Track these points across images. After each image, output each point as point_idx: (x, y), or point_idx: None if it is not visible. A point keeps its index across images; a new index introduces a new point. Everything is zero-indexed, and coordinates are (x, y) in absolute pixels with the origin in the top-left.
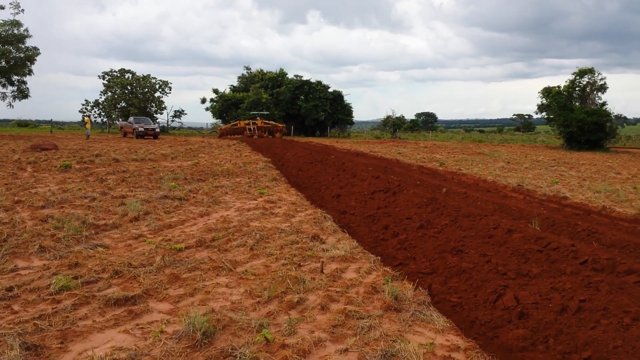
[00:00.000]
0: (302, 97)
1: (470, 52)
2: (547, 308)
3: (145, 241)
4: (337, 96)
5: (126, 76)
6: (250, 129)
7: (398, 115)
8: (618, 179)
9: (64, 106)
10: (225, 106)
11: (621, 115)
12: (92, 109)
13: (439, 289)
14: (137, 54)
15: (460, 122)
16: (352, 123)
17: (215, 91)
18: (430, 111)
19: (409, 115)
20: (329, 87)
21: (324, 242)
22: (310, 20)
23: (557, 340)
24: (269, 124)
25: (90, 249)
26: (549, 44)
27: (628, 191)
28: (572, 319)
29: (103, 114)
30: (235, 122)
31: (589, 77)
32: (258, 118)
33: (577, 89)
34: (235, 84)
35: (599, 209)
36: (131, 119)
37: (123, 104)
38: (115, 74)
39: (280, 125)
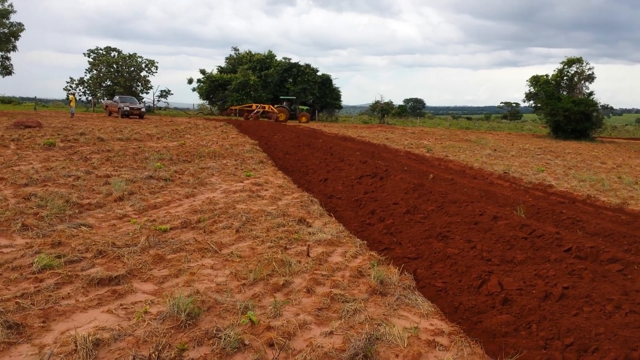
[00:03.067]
0: (291, 80)
1: (459, 39)
2: (530, 294)
3: (129, 221)
4: (326, 80)
5: (112, 54)
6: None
7: (386, 100)
8: (603, 169)
9: (49, 84)
10: (212, 87)
11: (607, 105)
12: (77, 87)
13: (424, 274)
14: (123, 32)
15: (448, 108)
16: (340, 107)
17: (203, 72)
18: (419, 97)
19: (397, 101)
20: (317, 71)
21: (310, 226)
22: (299, 2)
23: (540, 327)
24: (264, 107)
25: (74, 228)
26: (537, 32)
27: (613, 180)
28: (555, 305)
29: (88, 92)
30: (249, 105)
31: (577, 66)
32: (284, 103)
33: (565, 78)
34: (223, 64)
35: (584, 198)
36: (116, 97)
37: (108, 83)
38: (101, 52)
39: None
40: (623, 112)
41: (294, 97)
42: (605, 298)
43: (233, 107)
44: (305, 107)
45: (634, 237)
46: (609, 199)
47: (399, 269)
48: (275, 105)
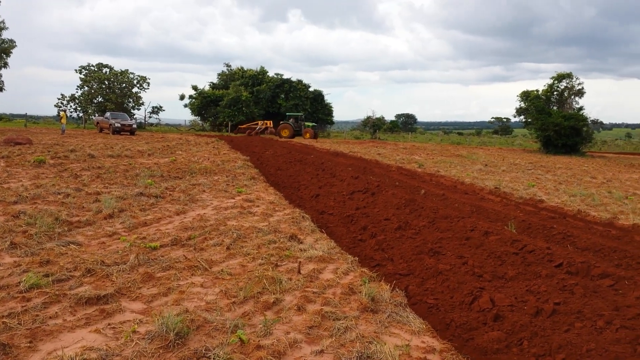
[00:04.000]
0: (283, 96)
1: (449, 55)
2: (522, 310)
3: (119, 239)
4: (318, 95)
5: (104, 71)
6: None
7: (378, 115)
8: (593, 183)
9: (39, 100)
10: (204, 103)
11: (597, 120)
12: (68, 103)
13: (415, 291)
14: (115, 48)
15: (440, 124)
16: (332, 123)
17: (195, 88)
18: (410, 112)
19: (389, 116)
20: (309, 86)
21: (301, 242)
22: (291, 19)
23: (532, 343)
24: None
25: (63, 246)
26: (527, 48)
27: (603, 195)
28: (547, 321)
29: (79, 108)
30: (256, 122)
31: (567, 81)
32: (291, 119)
33: (555, 93)
34: (215, 80)
35: (575, 213)
36: (108, 114)
37: (100, 99)
38: (92, 68)
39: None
40: (613, 126)
41: (301, 114)
42: (597, 314)
43: (242, 126)
44: (311, 124)
45: (625, 252)
46: (599, 213)
47: (390, 286)
48: (281, 122)
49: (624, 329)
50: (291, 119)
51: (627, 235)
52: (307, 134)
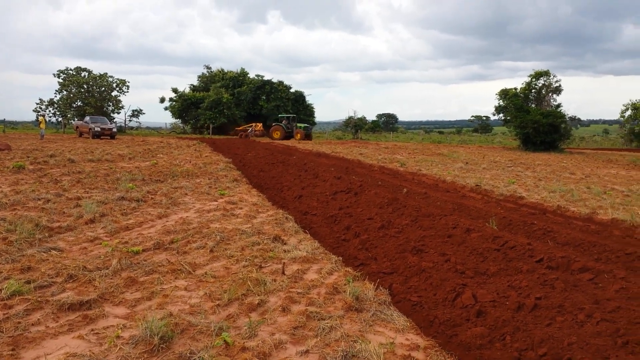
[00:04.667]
0: (264, 97)
1: (429, 54)
2: (504, 306)
3: (101, 244)
4: (299, 96)
5: (82, 75)
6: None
7: (359, 116)
8: (572, 179)
9: (17, 105)
10: (185, 106)
11: (575, 116)
12: (47, 108)
13: (399, 289)
14: (94, 51)
15: (420, 123)
16: (314, 123)
17: (175, 90)
18: (391, 112)
19: (370, 116)
20: (290, 87)
21: (285, 243)
22: (270, 20)
23: (514, 338)
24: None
25: (44, 252)
26: (504, 46)
27: (582, 191)
28: (529, 316)
29: (58, 113)
30: (250, 124)
31: (545, 79)
32: (283, 120)
33: (533, 91)
34: (195, 83)
35: (554, 209)
36: (87, 118)
37: (79, 103)
38: (71, 72)
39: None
40: (590, 123)
41: (294, 115)
42: (577, 307)
43: (238, 128)
44: (303, 125)
45: (604, 246)
46: (578, 209)
47: (374, 285)
48: (273, 123)
49: (605, 322)
50: (283, 121)
51: (606, 230)
52: (298, 135)
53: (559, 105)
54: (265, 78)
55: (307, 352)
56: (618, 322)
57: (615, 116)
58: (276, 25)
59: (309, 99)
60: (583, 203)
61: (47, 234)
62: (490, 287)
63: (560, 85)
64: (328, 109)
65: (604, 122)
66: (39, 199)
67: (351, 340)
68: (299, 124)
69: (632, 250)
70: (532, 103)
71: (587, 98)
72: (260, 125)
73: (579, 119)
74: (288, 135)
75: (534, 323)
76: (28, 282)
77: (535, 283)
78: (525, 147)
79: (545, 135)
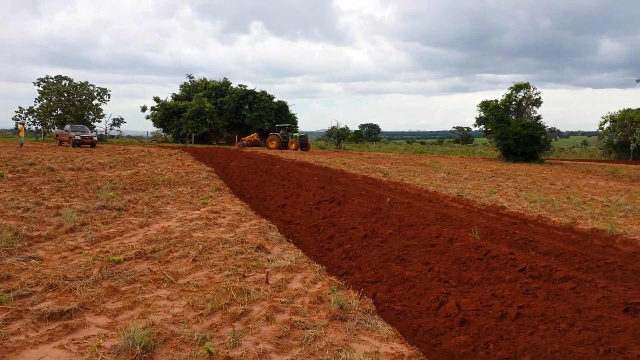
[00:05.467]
0: (247, 107)
1: (411, 66)
2: (487, 315)
3: (81, 253)
4: (282, 106)
5: (63, 83)
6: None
7: (342, 126)
8: (552, 189)
9: None
10: (166, 115)
11: (555, 128)
12: (27, 116)
13: (383, 298)
14: (74, 60)
15: (403, 133)
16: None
17: (157, 99)
18: (374, 122)
19: (353, 126)
20: (273, 97)
21: (269, 253)
22: (253, 30)
23: (497, 346)
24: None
25: (23, 261)
26: (485, 59)
27: (562, 201)
28: (512, 325)
29: (38, 121)
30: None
31: (525, 91)
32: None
33: (513, 102)
34: (178, 92)
35: (535, 218)
36: (67, 126)
37: (59, 112)
38: (51, 80)
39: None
40: (570, 134)
41: (291, 125)
42: (560, 316)
43: (244, 139)
44: (298, 135)
45: (585, 255)
46: (559, 218)
47: (358, 294)
48: (270, 133)
49: (587, 330)
50: (281, 130)
51: (586, 239)
52: (293, 145)
53: (538, 117)
54: (248, 88)
55: None
56: (600, 331)
57: (594, 128)
58: (259, 36)
59: (292, 109)
60: (563, 213)
61: (26, 243)
62: (474, 296)
63: (540, 98)
64: (311, 118)
65: (583, 133)
66: (18, 208)
67: (336, 350)
68: (294, 134)
69: (613, 259)
70: (512, 115)
71: (567, 110)
72: (255, 135)
73: (558, 131)
74: (284, 145)
75: (517, 332)
76: (7, 292)
77: (517, 292)
78: (506, 158)
79: (525, 147)
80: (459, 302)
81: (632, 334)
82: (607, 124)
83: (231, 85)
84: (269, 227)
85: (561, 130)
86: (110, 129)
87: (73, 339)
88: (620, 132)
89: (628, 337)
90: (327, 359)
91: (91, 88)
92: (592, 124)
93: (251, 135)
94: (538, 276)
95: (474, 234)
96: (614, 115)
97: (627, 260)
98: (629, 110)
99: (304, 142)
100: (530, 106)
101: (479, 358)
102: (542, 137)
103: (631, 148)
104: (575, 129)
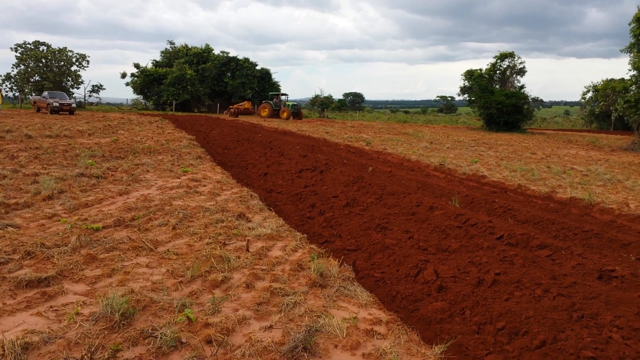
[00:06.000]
0: (229, 74)
1: (396, 34)
2: (464, 281)
3: (59, 221)
4: (265, 74)
5: (41, 49)
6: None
7: (326, 94)
8: (533, 159)
9: None
10: (147, 82)
11: (538, 98)
12: (3, 82)
13: (363, 265)
14: (52, 26)
15: (387, 102)
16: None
17: (137, 66)
18: (358, 91)
19: (337, 95)
20: (256, 65)
21: (249, 221)
22: None
23: (474, 312)
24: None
25: (0, 229)
26: (470, 28)
27: (542, 170)
28: (488, 291)
29: (15, 88)
30: (242, 103)
31: (509, 60)
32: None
33: (497, 72)
34: (158, 58)
35: (515, 187)
36: (45, 93)
37: (37, 78)
38: (29, 46)
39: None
40: (552, 104)
41: (286, 94)
42: (535, 283)
43: (232, 107)
44: (291, 103)
45: (562, 223)
46: (538, 188)
47: (338, 261)
48: (263, 101)
49: (561, 296)
50: (274, 99)
51: (564, 208)
52: (285, 114)
53: (522, 87)
54: (231, 55)
55: (270, 327)
56: (574, 297)
57: (577, 98)
58: (242, 1)
59: (276, 77)
60: (543, 182)
61: (3, 211)
62: (452, 263)
63: (524, 67)
64: (295, 87)
65: (566, 103)
66: None
67: (315, 316)
68: (287, 102)
69: (589, 227)
70: (496, 84)
71: (550, 80)
72: (248, 103)
73: (541, 100)
74: (276, 114)
75: (493, 298)
76: None
77: (495, 259)
78: (488, 128)
79: (508, 116)
80: (437, 269)
81: (605, 300)
82: (590, 94)
83: (213, 51)
84: (250, 195)
85: (544, 100)
86: (89, 96)
87: (51, 307)
88: (602, 102)
89: (601, 303)
90: (306, 324)
91: (70, 54)
92: (575, 94)
93: (242, 103)
94: (515, 244)
95: (454, 203)
96: (596, 85)
97: (604, 228)
98: (612, 80)
99: (296, 111)
100: (514, 75)
101: (455, 323)
102: (525, 106)
103: (612, 118)
104: (558, 99)
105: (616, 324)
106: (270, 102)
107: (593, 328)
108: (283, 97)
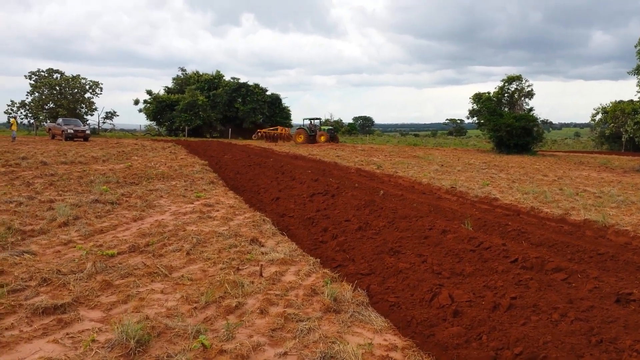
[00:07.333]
0: (240, 100)
1: (403, 59)
2: (480, 306)
3: (75, 247)
4: (275, 99)
5: (54, 76)
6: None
7: (336, 118)
8: (545, 181)
9: None
10: (159, 108)
11: (547, 120)
12: (18, 110)
13: (377, 290)
14: (65, 53)
15: (396, 126)
16: (290, 126)
17: (149, 92)
18: (367, 115)
19: (347, 119)
20: (266, 90)
21: (263, 245)
22: (244, 22)
23: (490, 337)
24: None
25: (17, 255)
26: (477, 52)
27: (554, 192)
28: (504, 315)
29: (30, 115)
30: (275, 127)
31: (517, 83)
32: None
33: (505, 95)
34: (170, 85)
35: (528, 210)
36: (60, 120)
37: (51, 105)
38: (42, 74)
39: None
40: (562, 126)
41: (318, 118)
42: (552, 307)
43: (261, 130)
44: (327, 128)
45: (577, 246)
46: (551, 210)
47: (352, 286)
48: (298, 127)
49: (579, 321)
50: (309, 123)
51: (578, 231)
52: (322, 137)
53: (531, 109)
54: (241, 81)
55: (285, 354)
56: (592, 321)
57: (586, 120)
58: (250, 29)
59: (286, 102)
60: (556, 204)
61: (19, 237)
62: (467, 287)
63: (532, 90)
64: (305, 111)
65: (575, 125)
66: (11, 202)
67: (329, 342)
68: (322, 127)
69: (604, 250)
70: (505, 107)
71: (559, 102)
72: (282, 128)
73: (550, 123)
74: (312, 139)
75: (510, 322)
76: (1, 286)
77: (510, 283)
78: (498, 150)
79: (518, 138)
80: (452, 293)
81: (624, 324)
82: (599, 116)
83: (224, 78)
84: (263, 220)
85: (553, 122)
86: (103, 123)
87: (67, 334)
88: (612, 124)
89: (619, 327)
90: (320, 351)
91: (83, 81)
92: (584, 116)
93: (275, 128)
94: (530, 267)
95: (467, 226)
96: (605, 107)
97: (619, 250)
98: (621, 102)
99: (332, 135)
100: (522, 98)
101: (472, 349)
102: (535, 128)
103: (623, 139)
104: (567, 121)
105: (636, 348)
106: (305, 127)
107: (612, 352)
108: (316, 122)
